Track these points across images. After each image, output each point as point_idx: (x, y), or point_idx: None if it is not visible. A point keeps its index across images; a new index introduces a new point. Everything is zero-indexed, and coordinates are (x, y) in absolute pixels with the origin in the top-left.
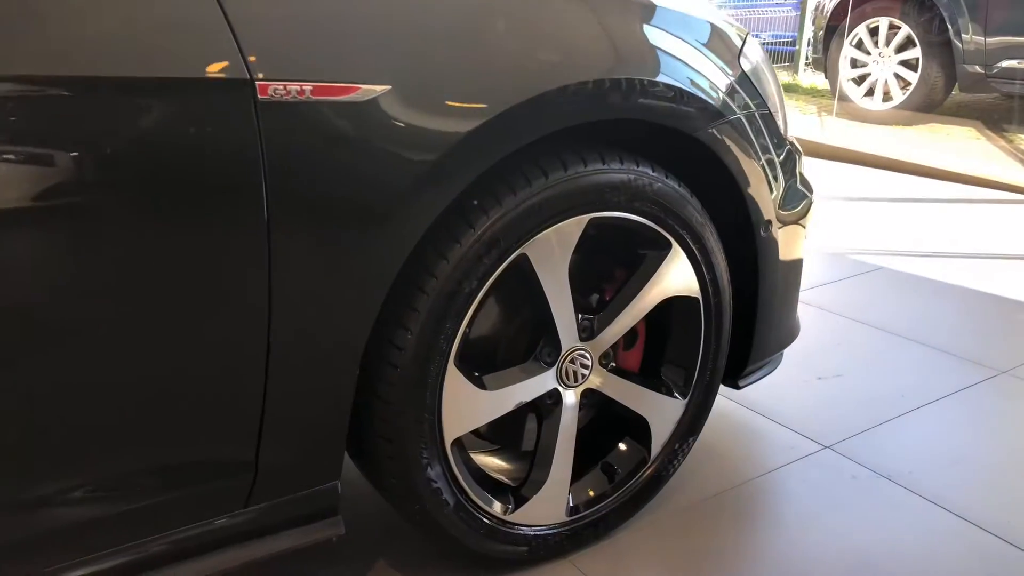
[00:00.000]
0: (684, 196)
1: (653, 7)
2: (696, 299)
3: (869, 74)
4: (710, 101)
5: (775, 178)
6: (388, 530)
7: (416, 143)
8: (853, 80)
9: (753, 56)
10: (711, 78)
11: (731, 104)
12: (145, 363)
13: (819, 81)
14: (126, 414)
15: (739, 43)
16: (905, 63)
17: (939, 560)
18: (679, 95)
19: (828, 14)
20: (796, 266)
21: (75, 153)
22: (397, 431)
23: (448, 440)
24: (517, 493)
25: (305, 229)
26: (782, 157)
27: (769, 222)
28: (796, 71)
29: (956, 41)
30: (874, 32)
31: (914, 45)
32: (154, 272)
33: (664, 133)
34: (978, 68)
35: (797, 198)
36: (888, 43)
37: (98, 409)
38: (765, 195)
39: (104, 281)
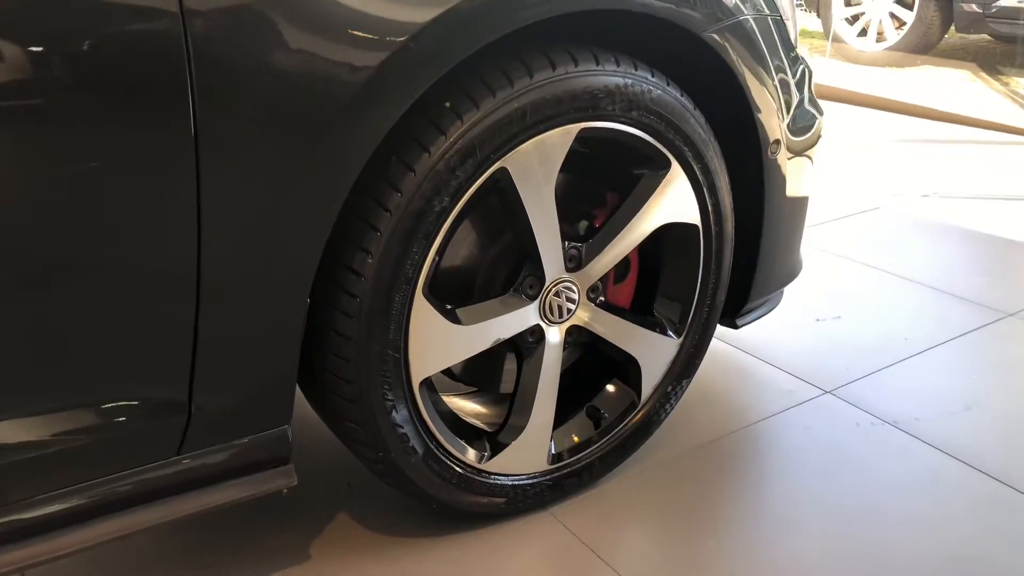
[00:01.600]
0: (687, 107)
1: None
2: (696, 227)
3: (863, 13)
4: (730, 5)
5: (785, 93)
6: (349, 483)
7: (369, 33)
8: (847, 20)
9: None
10: None
11: (741, 4)
12: (58, 287)
13: (811, 23)
14: (40, 344)
15: None
16: (900, 2)
17: (947, 510)
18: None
19: None
20: (803, 197)
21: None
22: (357, 370)
23: (416, 381)
24: (494, 440)
25: (235, 138)
26: (793, 70)
27: (777, 142)
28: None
29: None
30: None
31: None
32: (68, 190)
33: (666, 33)
34: (975, 7)
35: (807, 118)
36: None
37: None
38: (774, 111)
39: (16, 200)
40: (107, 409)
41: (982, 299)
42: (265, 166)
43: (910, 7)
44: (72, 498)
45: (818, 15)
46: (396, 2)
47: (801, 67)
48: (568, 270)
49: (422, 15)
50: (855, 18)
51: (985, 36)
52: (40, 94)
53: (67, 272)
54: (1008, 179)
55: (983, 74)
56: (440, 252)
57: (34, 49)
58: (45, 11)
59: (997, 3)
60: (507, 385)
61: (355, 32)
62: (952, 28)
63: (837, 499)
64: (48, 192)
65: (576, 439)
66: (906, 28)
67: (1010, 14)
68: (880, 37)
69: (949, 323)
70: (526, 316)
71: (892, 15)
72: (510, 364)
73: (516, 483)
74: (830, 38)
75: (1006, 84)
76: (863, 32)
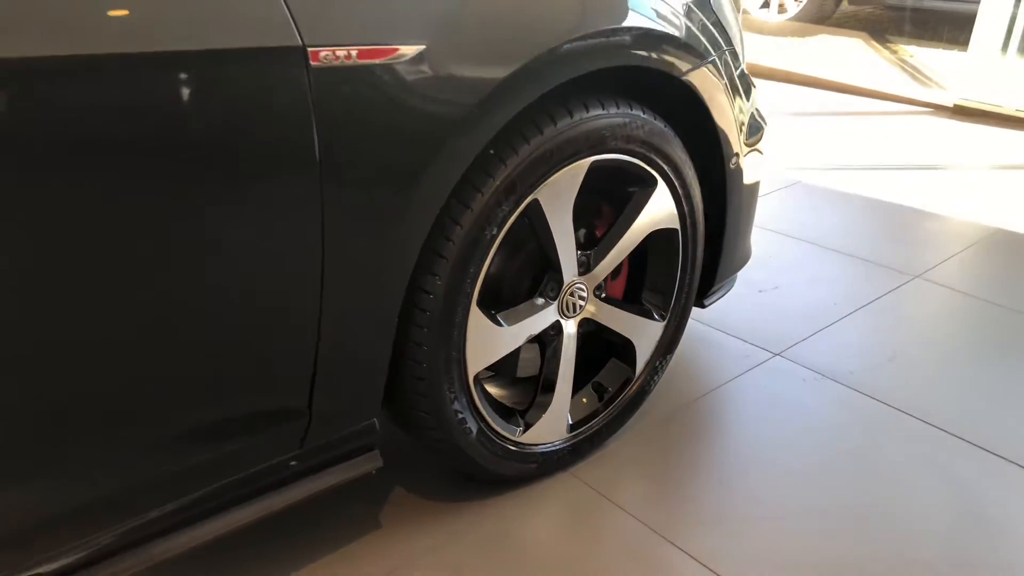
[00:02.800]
0: (669, 136)
1: None
2: (676, 230)
3: None
4: (695, 46)
5: (741, 112)
6: (399, 461)
7: (449, 98)
8: None
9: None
10: (696, 25)
11: (710, 48)
12: (214, 316)
13: None
14: (205, 369)
15: None
16: None
17: (879, 445)
18: (674, 42)
19: None
20: (755, 191)
21: (152, 120)
22: (429, 370)
23: (471, 375)
24: (525, 416)
25: (353, 184)
26: (745, 92)
27: (737, 154)
28: None
29: None
30: None
31: None
32: (220, 229)
33: (653, 77)
34: None
35: (756, 129)
36: None
37: (185, 366)
38: (734, 129)
39: (175, 236)
40: (256, 416)
41: (892, 263)
42: (373, 211)
43: None
44: (228, 491)
45: None
46: (465, 81)
47: (749, 86)
48: (580, 274)
49: (487, 86)
50: None
51: (872, 6)
52: (201, 156)
53: (231, 305)
54: (902, 148)
55: (874, 43)
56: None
57: (198, 116)
58: (205, 86)
59: None
60: (522, 371)
61: (437, 104)
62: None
63: (793, 441)
64: (211, 235)
65: (586, 411)
66: (804, 1)
67: None
68: (781, 8)
69: (868, 287)
70: (549, 314)
71: None
72: (527, 353)
73: (544, 450)
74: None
75: (895, 52)
76: (766, 4)
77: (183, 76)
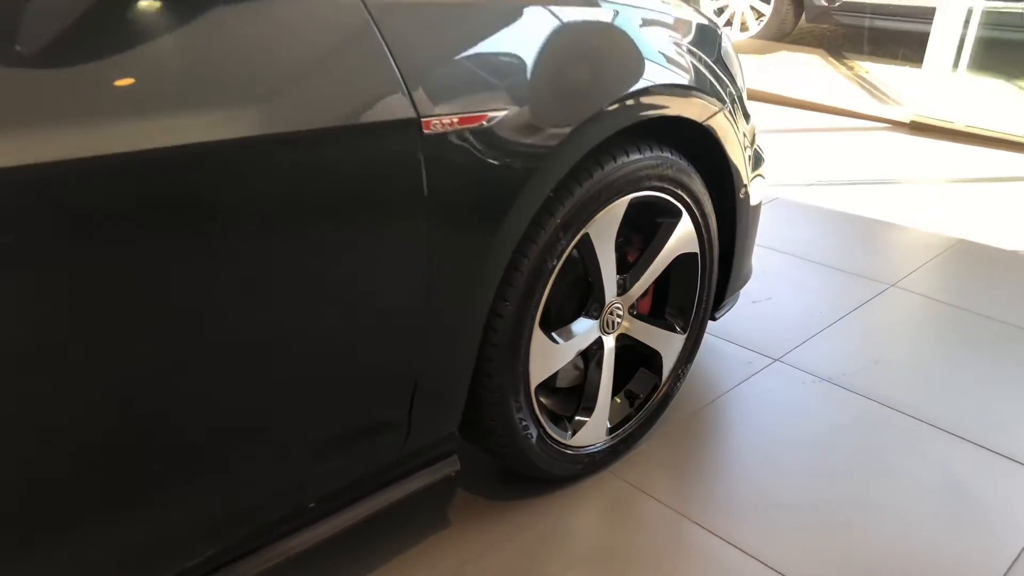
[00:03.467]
0: (691, 172)
1: (688, 25)
2: (696, 254)
3: (727, 6)
4: (715, 96)
5: (747, 147)
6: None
7: (524, 153)
8: (714, 11)
9: (728, 48)
10: (714, 77)
11: (724, 95)
12: (346, 343)
13: None
14: (337, 389)
15: (721, 40)
16: None
17: (872, 438)
18: (698, 94)
19: None
20: (757, 213)
21: (295, 183)
22: (500, 384)
23: (532, 387)
24: (571, 422)
25: (452, 223)
26: (750, 129)
27: (745, 185)
28: None
29: None
30: None
31: None
32: (355, 264)
33: (675, 123)
34: (823, 1)
35: (759, 161)
36: None
37: (319, 388)
38: (743, 163)
39: (313, 280)
40: (369, 428)
41: (869, 273)
42: (466, 245)
43: (767, 1)
44: (342, 494)
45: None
46: (536, 140)
47: (751, 124)
48: (618, 295)
49: (552, 143)
50: (720, 10)
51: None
52: (341, 203)
53: (358, 338)
54: (865, 163)
55: (831, 59)
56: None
57: (333, 180)
58: (339, 157)
59: None
60: (562, 381)
61: (514, 159)
62: (803, 18)
63: (798, 438)
64: (341, 276)
65: (620, 415)
66: (765, 19)
67: (853, 8)
68: (743, 27)
69: (850, 296)
70: (593, 331)
71: (752, 8)
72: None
73: (588, 451)
74: None
75: (851, 69)
76: (728, 23)
77: (333, 143)
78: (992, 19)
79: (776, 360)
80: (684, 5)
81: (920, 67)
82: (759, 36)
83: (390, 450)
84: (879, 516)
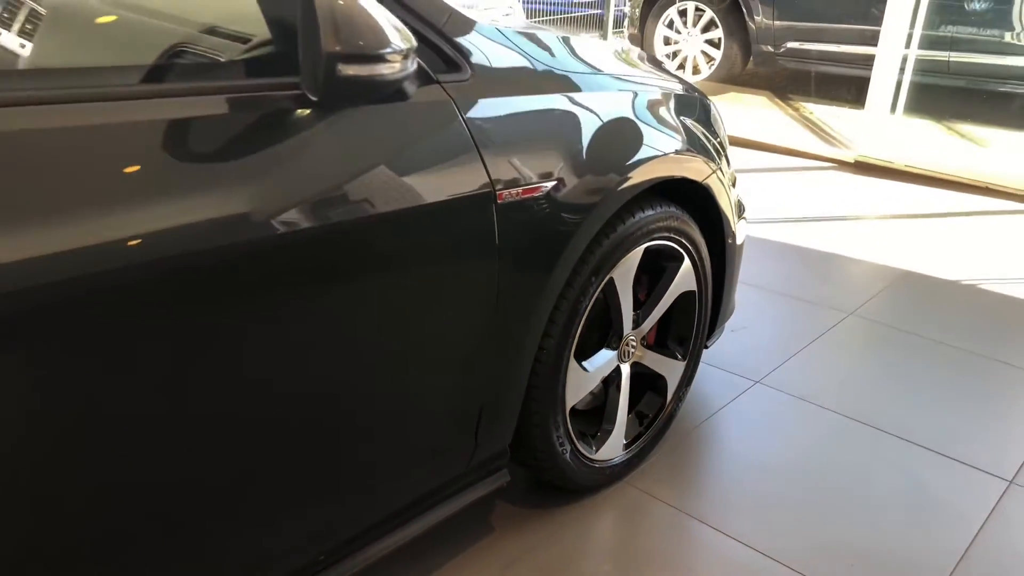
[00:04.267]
0: (690, 223)
1: (687, 99)
2: (694, 292)
3: (680, 51)
4: (710, 159)
5: (732, 198)
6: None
7: (571, 213)
8: (667, 56)
9: (714, 112)
10: (707, 140)
11: (715, 155)
12: (436, 379)
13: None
14: (430, 413)
15: (710, 107)
16: (710, 42)
17: (845, 446)
18: (698, 158)
19: None
20: (741, 251)
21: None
22: (541, 406)
23: (567, 409)
24: (594, 440)
25: (517, 273)
26: (734, 182)
27: (733, 232)
28: (605, 38)
29: (751, 24)
30: (683, 14)
31: (717, 26)
32: (442, 315)
33: (679, 181)
34: (769, 48)
35: (742, 208)
36: (695, 24)
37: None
38: (731, 213)
39: (415, 324)
40: (447, 447)
41: (829, 303)
42: (526, 288)
43: (717, 46)
44: (421, 502)
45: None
46: (578, 203)
47: (734, 177)
48: (633, 328)
49: (589, 206)
50: (674, 55)
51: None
52: (435, 256)
53: (441, 367)
54: (816, 201)
55: (777, 100)
56: None
57: (431, 241)
58: (440, 223)
59: (786, 44)
60: (580, 404)
61: (561, 220)
62: (751, 61)
63: (781, 448)
64: (433, 315)
65: (632, 432)
66: (715, 63)
67: (797, 53)
68: (695, 70)
69: (814, 323)
70: (613, 361)
71: (704, 52)
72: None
73: (609, 464)
74: None
75: (796, 109)
76: (681, 66)
77: (432, 213)
78: (923, 66)
79: (756, 382)
80: (676, 79)
81: (859, 108)
82: (710, 79)
83: (460, 463)
84: (852, 510)
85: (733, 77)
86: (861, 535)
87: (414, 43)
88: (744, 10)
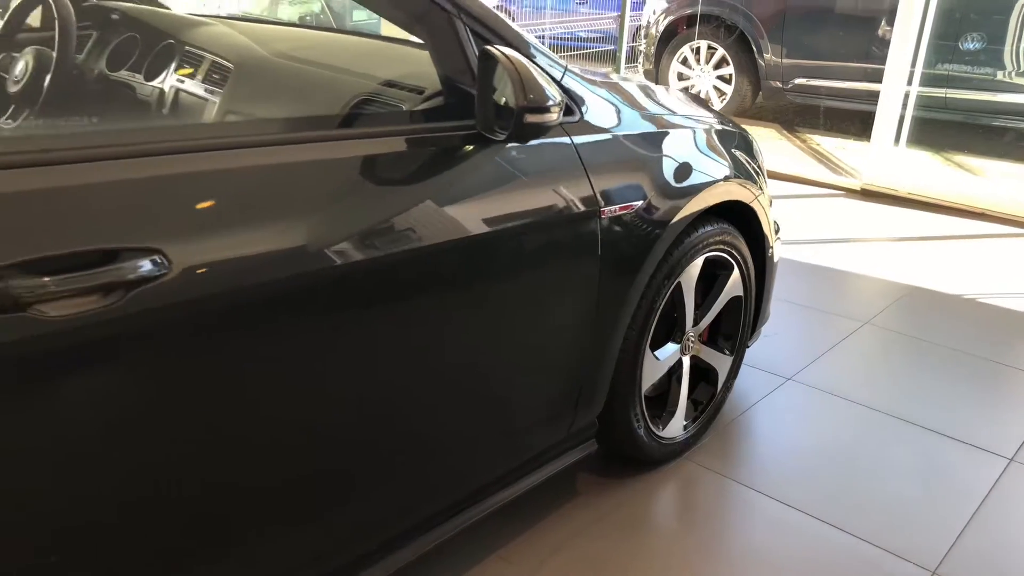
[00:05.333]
0: (739, 237)
1: (735, 134)
2: (741, 296)
3: (694, 85)
4: (756, 183)
5: (771, 218)
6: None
7: (656, 226)
8: (682, 90)
9: (755, 145)
10: (752, 168)
11: (759, 183)
12: (552, 363)
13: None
14: (543, 390)
15: (752, 141)
16: (721, 78)
17: (870, 436)
18: (747, 184)
19: (658, 36)
20: (776, 267)
21: (529, 254)
22: (623, 387)
23: (643, 391)
24: (660, 420)
25: (613, 275)
26: (772, 204)
27: (772, 247)
28: (618, 71)
29: (760, 61)
30: (696, 51)
31: (728, 63)
32: (556, 310)
33: (729, 204)
34: (778, 83)
35: (778, 228)
36: (708, 61)
37: (533, 391)
38: (770, 231)
39: (536, 318)
40: (553, 416)
41: (846, 313)
42: (620, 285)
43: (729, 82)
44: (527, 465)
45: (656, 84)
46: (661, 219)
47: (770, 199)
48: (693, 326)
49: (668, 220)
50: (688, 89)
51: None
52: (553, 262)
53: (554, 351)
54: (826, 225)
55: (786, 132)
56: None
57: (547, 253)
58: (553, 237)
59: (794, 80)
60: (648, 390)
61: (648, 233)
62: (760, 96)
63: (813, 433)
64: (547, 312)
65: (690, 416)
66: (727, 97)
67: (804, 89)
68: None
69: (835, 331)
70: (677, 353)
71: (715, 88)
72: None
73: (673, 441)
74: None
75: (804, 141)
76: None
77: (557, 224)
78: (924, 102)
79: (789, 379)
80: (722, 116)
81: (864, 140)
82: (723, 111)
83: (563, 429)
84: (874, 482)
85: (743, 111)
86: (883, 502)
87: (563, 97)
88: (754, 48)
